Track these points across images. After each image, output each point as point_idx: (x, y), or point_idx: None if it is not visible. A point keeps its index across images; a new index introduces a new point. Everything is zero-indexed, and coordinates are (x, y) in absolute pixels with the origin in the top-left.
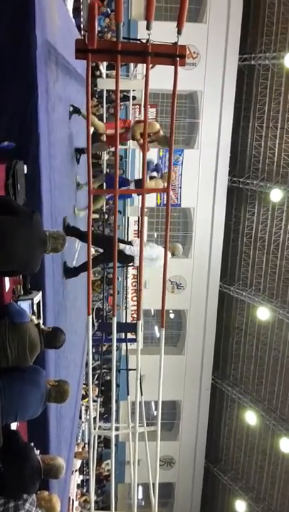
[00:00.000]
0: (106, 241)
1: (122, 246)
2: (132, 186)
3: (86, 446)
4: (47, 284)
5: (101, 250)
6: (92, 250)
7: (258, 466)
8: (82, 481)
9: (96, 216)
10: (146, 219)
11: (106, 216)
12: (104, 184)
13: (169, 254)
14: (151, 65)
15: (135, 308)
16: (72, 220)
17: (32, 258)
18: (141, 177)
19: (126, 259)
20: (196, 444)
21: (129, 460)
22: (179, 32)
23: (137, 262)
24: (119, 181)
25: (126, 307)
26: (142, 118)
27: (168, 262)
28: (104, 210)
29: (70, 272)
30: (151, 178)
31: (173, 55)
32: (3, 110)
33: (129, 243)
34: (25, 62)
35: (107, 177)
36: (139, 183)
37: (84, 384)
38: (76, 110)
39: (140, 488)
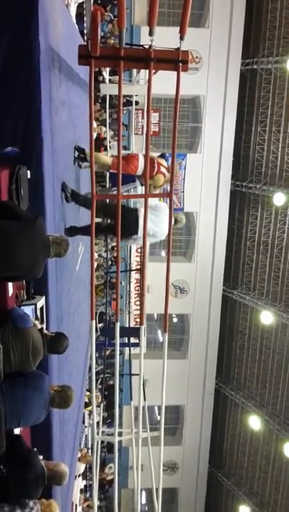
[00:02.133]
0: (111, 208)
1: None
2: (138, 184)
3: (89, 451)
4: (50, 289)
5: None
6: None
7: (261, 471)
8: (86, 486)
9: (98, 220)
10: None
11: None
12: (108, 180)
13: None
14: (154, 71)
15: (138, 312)
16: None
17: (35, 263)
18: None
19: (131, 222)
20: (199, 449)
21: (133, 465)
22: (182, 38)
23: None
24: (126, 178)
25: (129, 311)
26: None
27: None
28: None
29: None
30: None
31: (176, 61)
32: (6, 115)
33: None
34: (29, 68)
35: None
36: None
37: (87, 390)
38: (80, 150)
39: (143, 493)
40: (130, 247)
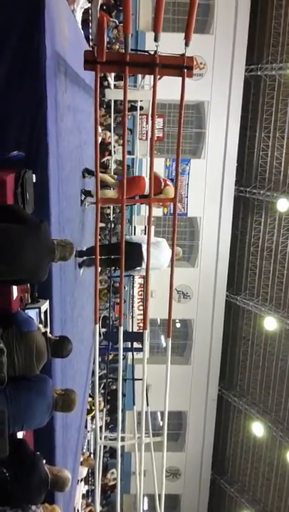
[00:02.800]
0: (115, 246)
1: (127, 237)
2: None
3: (91, 455)
4: (54, 292)
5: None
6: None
7: (264, 478)
8: (88, 491)
9: (103, 225)
10: (153, 228)
11: (113, 225)
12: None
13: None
14: (158, 76)
15: (142, 317)
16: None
17: (40, 267)
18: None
19: (135, 255)
20: (202, 455)
21: (135, 471)
22: (187, 44)
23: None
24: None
25: (132, 316)
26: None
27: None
28: (112, 219)
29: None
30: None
31: (180, 67)
32: (12, 120)
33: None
34: (35, 73)
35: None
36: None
37: (90, 396)
38: (87, 193)
39: (146, 499)
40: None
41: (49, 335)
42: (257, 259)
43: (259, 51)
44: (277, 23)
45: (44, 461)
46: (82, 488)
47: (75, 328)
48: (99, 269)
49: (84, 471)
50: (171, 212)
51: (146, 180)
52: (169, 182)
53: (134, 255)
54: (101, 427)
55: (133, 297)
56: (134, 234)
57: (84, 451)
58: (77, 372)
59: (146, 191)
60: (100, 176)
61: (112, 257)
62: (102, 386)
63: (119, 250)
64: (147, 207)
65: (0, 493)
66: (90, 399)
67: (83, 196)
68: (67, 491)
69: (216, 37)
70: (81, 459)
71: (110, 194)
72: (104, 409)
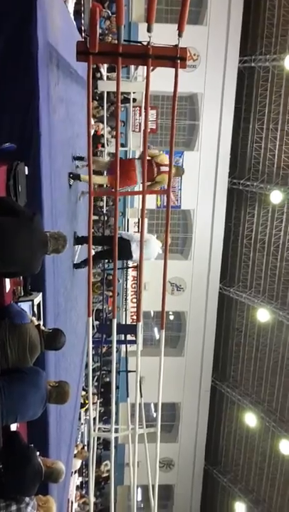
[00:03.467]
0: (107, 238)
1: (119, 232)
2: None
3: (85, 447)
4: (47, 285)
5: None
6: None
7: (257, 467)
8: (82, 482)
9: (96, 217)
10: (146, 221)
11: (106, 218)
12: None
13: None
14: (152, 68)
15: (135, 309)
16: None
17: (33, 259)
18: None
19: (125, 250)
20: (195, 446)
21: (129, 462)
22: (180, 35)
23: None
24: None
25: (126, 309)
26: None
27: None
28: (105, 212)
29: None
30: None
31: (174, 58)
32: (4, 111)
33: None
34: (27, 64)
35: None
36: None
37: (83, 390)
38: (75, 177)
39: (139, 490)
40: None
41: (42, 327)
42: (250, 251)
43: (253, 42)
44: (271, 14)
45: (38, 453)
46: (76, 480)
47: (69, 321)
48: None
49: (78, 463)
50: (165, 204)
51: (138, 165)
52: (164, 168)
53: (125, 247)
54: (95, 419)
55: (126, 290)
56: (128, 229)
57: (78, 443)
58: (70, 364)
59: (138, 181)
60: (86, 179)
61: (105, 247)
62: (95, 378)
63: (111, 243)
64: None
65: None
66: (83, 393)
67: (71, 181)
68: (61, 482)
69: (210, 28)
70: (75, 451)
71: (99, 180)
72: (98, 401)
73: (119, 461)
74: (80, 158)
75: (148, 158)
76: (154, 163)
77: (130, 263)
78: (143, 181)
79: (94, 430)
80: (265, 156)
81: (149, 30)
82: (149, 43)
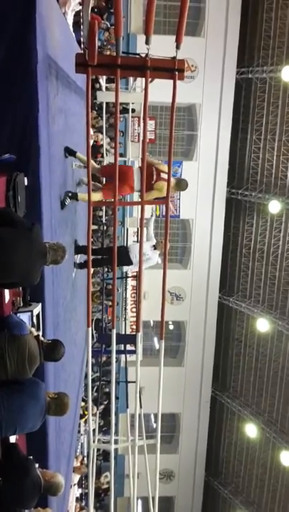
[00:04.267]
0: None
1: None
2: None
3: (85, 459)
4: (46, 296)
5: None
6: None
7: (258, 479)
8: (81, 494)
9: (95, 227)
10: (145, 230)
11: (105, 227)
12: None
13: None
14: (150, 79)
15: (134, 319)
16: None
17: (32, 270)
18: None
19: (125, 256)
20: (195, 457)
21: (129, 473)
22: (178, 47)
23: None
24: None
25: (125, 318)
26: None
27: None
28: (104, 221)
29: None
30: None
31: (172, 70)
32: (4, 123)
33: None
34: (27, 76)
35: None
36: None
37: (83, 401)
38: (73, 197)
39: (140, 502)
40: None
41: (41, 338)
42: (249, 260)
43: (250, 54)
44: (268, 26)
45: (37, 466)
46: (75, 492)
47: (68, 331)
48: (91, 271)
49: (76, 478)
50: (164, 214)
51: (136, 173)
52: (164, 175)
53: (122, 257)
54: (94, 430)
55: (126, 299)
56: (127, 237)
57: (77, 454)
58: (70, 375)
59: (136, 188)
60: (81, 157)
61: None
62: (95, 389)
63: (110, 253)
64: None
65: None
66: (82, 403)
67: (68, 200)
68: (61, 494)
69: (207, 40)
70: (75, 463)
71: (96, 197)
72: (98, 412)
73: (119, 472)
74: (73, 153)
75: (150, 164)
76: (154, 169)
77: (129, 272)
78: (141, 191)
79: (93, 441)
80: (263, 166)
81: (147, 42)
82: (147, 54)
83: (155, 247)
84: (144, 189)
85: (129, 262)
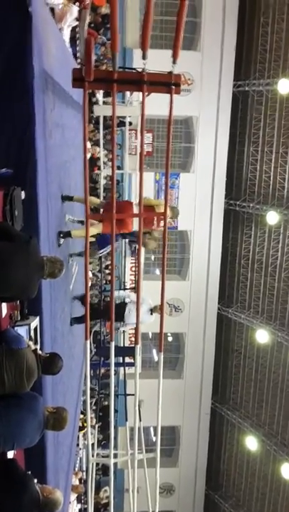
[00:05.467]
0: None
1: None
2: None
3: (84, 474)
4: (44, 309)
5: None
6: (90, 274)
7: (259, 492)
8: (80, 510)
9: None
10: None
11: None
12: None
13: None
14: (146, 93)
15: (133, 331)
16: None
17: (29, 283)
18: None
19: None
20: (196, 471)
21: (128, 488)
22: (174, 62)
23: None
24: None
25: (124, 331)
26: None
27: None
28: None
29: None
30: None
31: (168, 84)
32: (0, 137)
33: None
34: (23, 92)
35: (99, 239)
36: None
37: (81, 413)
38: (66, 235)
39: None
40: (125, 265)
41: (39, 352)
42: (248, 271)
43: (246, 67)
44: (264, 40)
45: (36, 481)
46: (74, 507)
47: (66, 345)
48: (89, 283)
49: (72, 496)
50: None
51: (136, 211)
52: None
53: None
54: (93, 444)
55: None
56: (124, 276)
57: (76, 470)
58: (68, 388)
59: (135, 228)
60: (78, 199)
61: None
62: (93, 402)
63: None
64: None
65: None
66: (81, 416)
67: (62, 240)
68: (60, 510)
69: (203, 53)
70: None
71: (93, 230)
72: (96, 426)
73: (118, 487)
74: (69, 198)
75: (149, 205)
76: (156, 215)
77: (122, 329)
78: (140, 204)
79: (92, 456)
80: (261, 177)
81: (143, 57)
82: (143, 69)
83: (152, 312)
84: (141, 204)
85: (121, 318)
